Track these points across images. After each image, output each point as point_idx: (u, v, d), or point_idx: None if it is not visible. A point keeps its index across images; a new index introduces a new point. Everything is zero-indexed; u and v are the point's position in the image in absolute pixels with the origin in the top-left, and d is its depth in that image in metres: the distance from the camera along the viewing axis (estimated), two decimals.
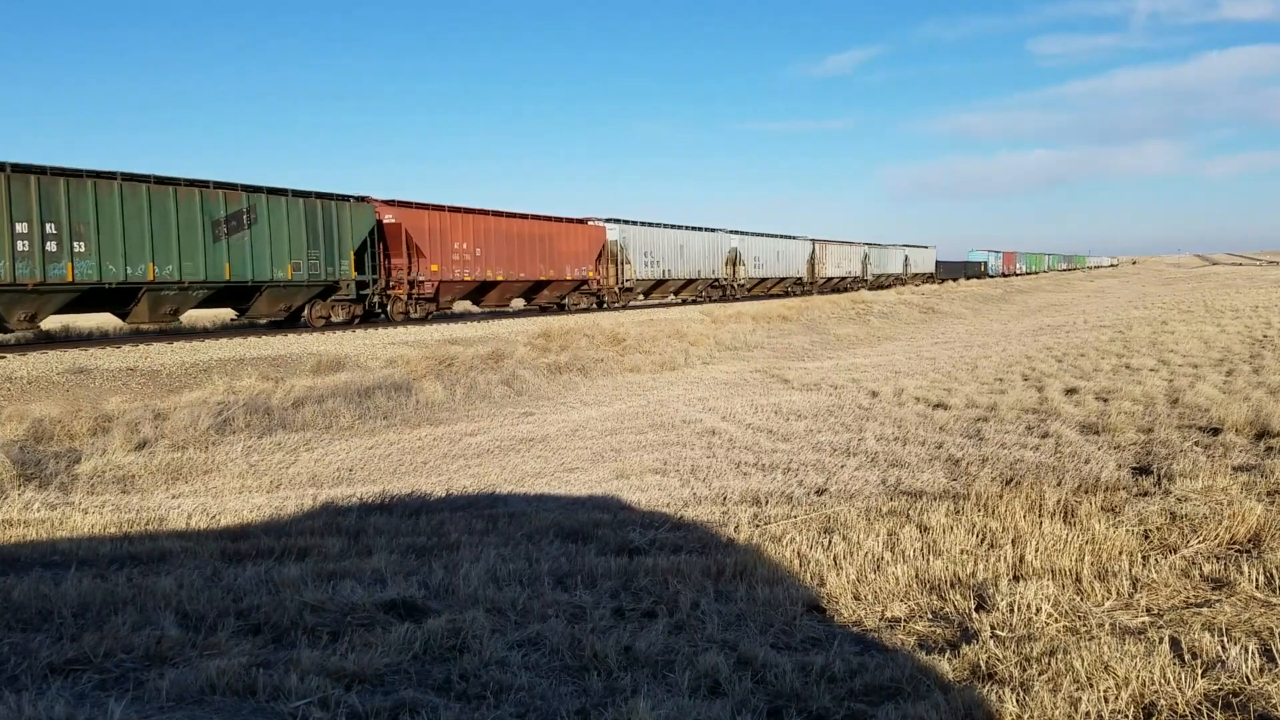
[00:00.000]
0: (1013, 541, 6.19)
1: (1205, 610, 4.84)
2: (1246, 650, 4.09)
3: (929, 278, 77.39)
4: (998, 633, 4.66)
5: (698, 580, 5.62)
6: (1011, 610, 4.92)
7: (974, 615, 4.96)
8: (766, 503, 8.73)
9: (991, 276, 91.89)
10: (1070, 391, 15.22)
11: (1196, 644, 4.27)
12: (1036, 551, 5.90)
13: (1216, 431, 10.98)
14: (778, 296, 49.30)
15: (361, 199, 25.84)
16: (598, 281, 36.63)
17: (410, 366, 19.03)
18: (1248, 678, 3.89)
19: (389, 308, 26.88)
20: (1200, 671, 3.97)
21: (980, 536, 6.45)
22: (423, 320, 27.32)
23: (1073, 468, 9.46)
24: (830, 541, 6.48)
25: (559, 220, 34.46)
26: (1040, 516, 6.77)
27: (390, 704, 3.84)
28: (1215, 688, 3.85)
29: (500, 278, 30.66)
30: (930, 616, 5.06)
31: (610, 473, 11.31)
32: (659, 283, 41.05)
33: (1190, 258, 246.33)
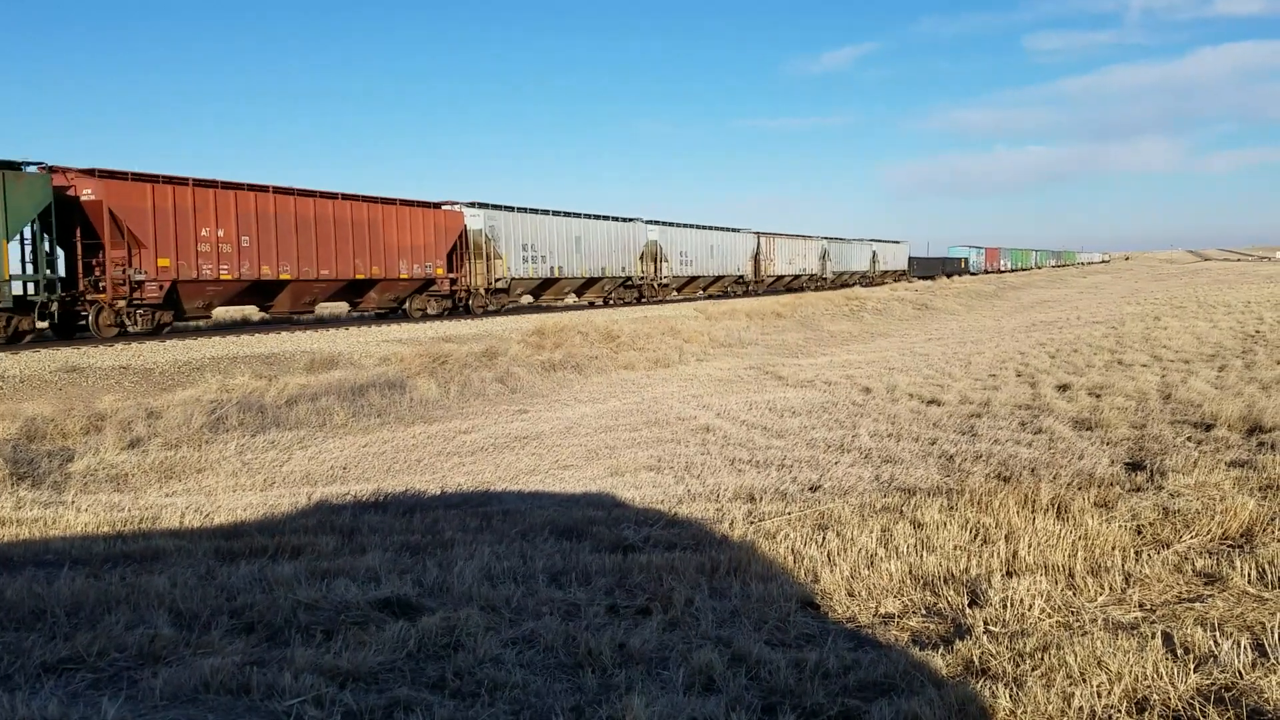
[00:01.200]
0: (1006, 537, 6.20)
1: (1198, 605, 4.85)
2: (1239, 645, 4.10)
3: (901, 275, 71.10)
4: (991, 628, 4.67)
5: (692, 577, 5.63)
6: (1005, 606, 4.93)
7: (967, 611, 4.97)
8: (761, 499, 8.74)
9: (973, 274, 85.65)
10: (1063, 387, 15.26)
11: (1189, 639, 4.29)
12: (1030, 547, 5.92)
13: (1209, 427, 11.02)
14: (716, 297, 44.63)
15: (51, 168, 19.32)
16: (451, 281, 29.24)
17: (404, 364, 19.02)
18: (1240, 672, 3.90)
19: (93, 318, 19.84)
20: (1193, 666, 3.98)
21: (974, 532, 6.46)
22: (152, 334, 20.63)
23: (1066, 463, 9.48)
24: (824, 538, 6.49)
25: (389, 202, 26.76)
26: (1033, 512, 6.78)
27: (384, 702, 3.84)
28: (1208, 682, 3.86)
29: (288, 276, 23.14)
30: (924, 612, 5.08)
31: (605, 470, 11.32)
32: (547, 282, 33.86)
33: (1183, 253, 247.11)
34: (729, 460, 11.23)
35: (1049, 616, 4.79)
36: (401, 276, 27.13)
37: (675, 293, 43.69)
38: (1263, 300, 38.03)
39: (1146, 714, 3.68)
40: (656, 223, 40.49)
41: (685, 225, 43.01)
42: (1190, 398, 13.13)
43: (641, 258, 39.42)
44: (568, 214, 34.71)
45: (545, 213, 33.47)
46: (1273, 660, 4.00)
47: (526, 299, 35.05)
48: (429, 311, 29.02)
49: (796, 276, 54.48)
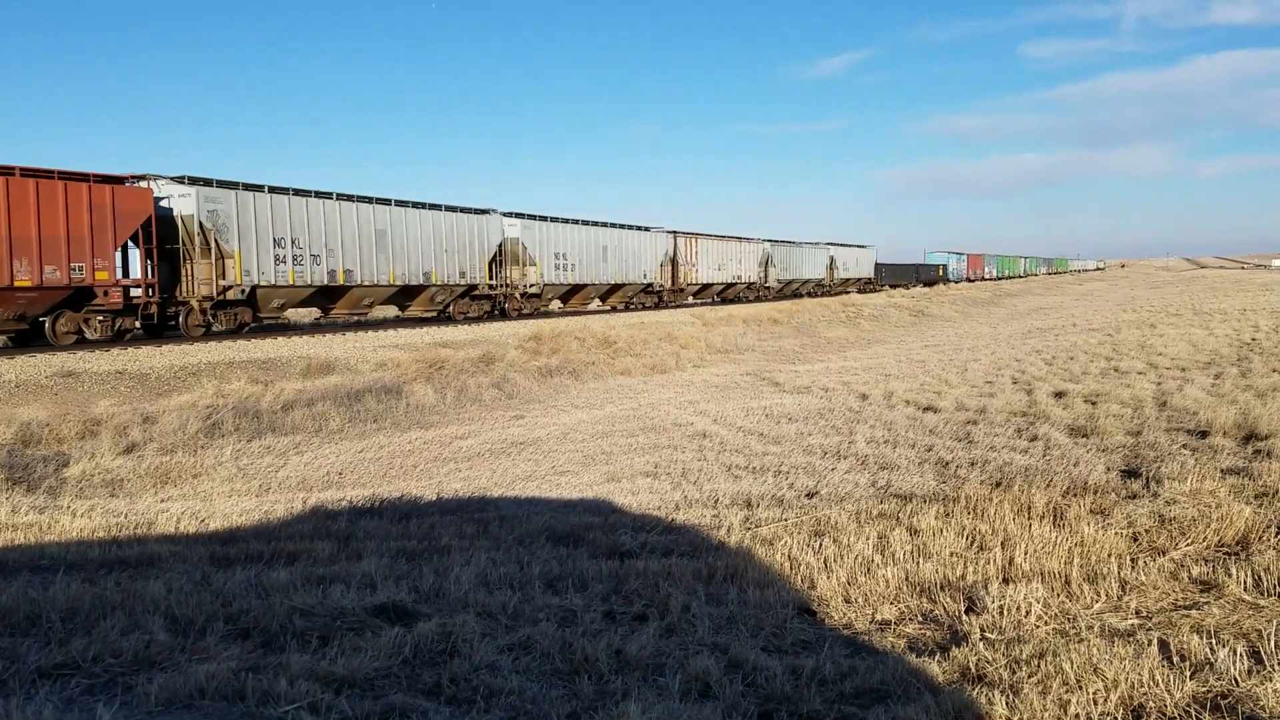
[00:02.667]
0: (1002, 544, 6.21)
1: (1194, 612, 4.86)
2: (1235, 652, 4.11)
3: (866, 284, 64.05)
4: (987, 635, 4.68)
5: (689, 583, 5.62)
6: (1001, 612, 4.94)
7: (964, 618, 4.97)
8: (757, 506, 8.74)
9: (953, 282, 78.49)
10: (1059, 394, 15.28)
11: (1185, 646, 4.29)
12: (1026, 554, 5.92)
13: (1204, 434, 11.03)
14: (618, 311, 37.24)
15: None
16: (132, 290, 20.67)
17: (400, 369, 19.00)
18: (1236, 680, 3.91)
19: None
20: (1189, 673, 3.99)
21: (970, 539, 6.47)
22: None
23: (1062, 470, 9.48)
24: (821, 544, 6.49)
25: None
26: (1029, 519, 6.79)
27: (380, 708, 3.83)
28: (1204, 690, 3.86)
29: None
30: (920, 619, 5.08)
31: (601, 476, 11.31)
32: (328, 290, 24.98)
33: (1178, 261, 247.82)
34: (726, 466, 11.23)
35: (1045, 623, 4.80)
36: (18, 284, 18.02)
37: (559, 303, 35.82)
38: (1258, 308, 38.12)
39: None
40: (520, 215, 32.27)
41: (564, 220, 34.50)
42: (1186, 405, 13.15)
43: (495, 260, 31.06)
44: (362, 199, 25.91)
45: (322, 195, 24.55)
46: (1269, 668, 4.00)
47: (299, 314, 26.32)
48: (88, 336, 20.16)
49: (730, 285, 46.89)
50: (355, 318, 27.97)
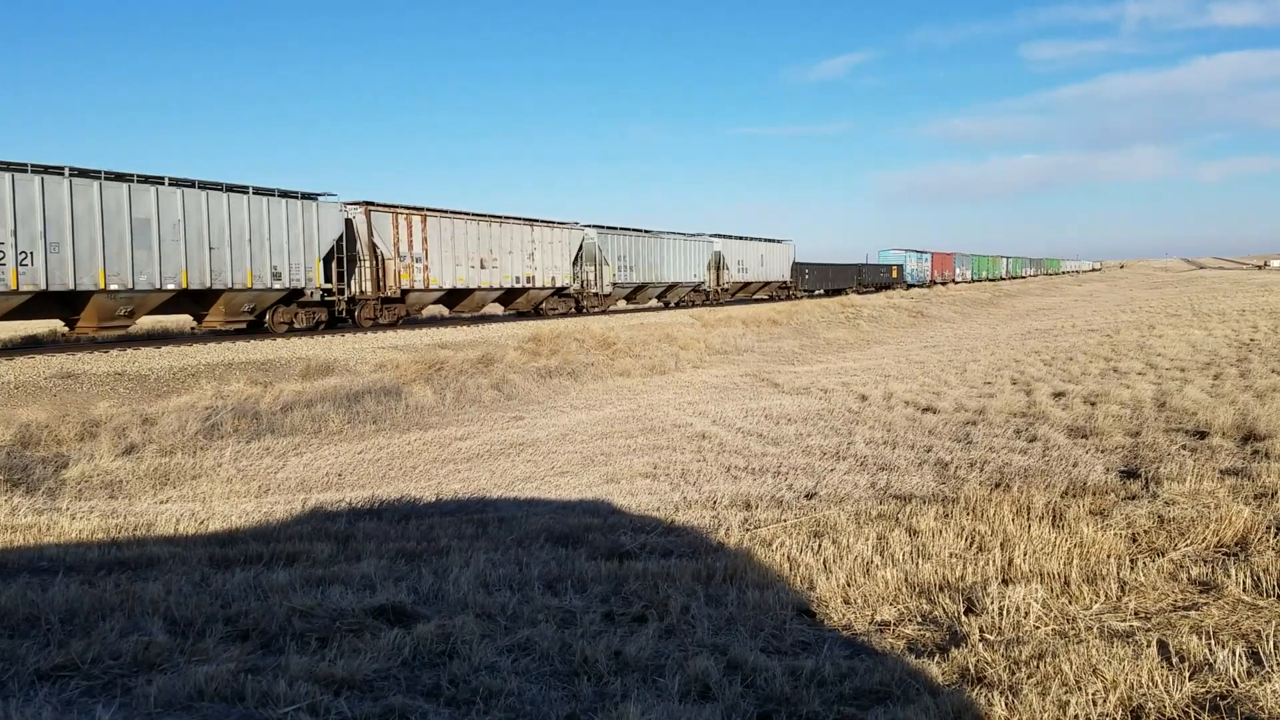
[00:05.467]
0: (1001, 545, 6.21)
1: (1193, 613, 4.86)
2: (1234, 653, 4.11)
3: (782, 288, 50.39)
4: (987, 636, 4.68)
5: (688, 584, 5.63)
6: (1000, 613, 4.93)
7: (963, 618, 4.97)
8: (756, 507, 8.74)
9: (913, 286, 65.45)
10: (1058, 395, 15.29)
11: (1184, 647, 4.29)
12: (1025, 555, 5.92)
13: (1203, 435, 11.04)
14: (231, 337, 21.90)
15: None
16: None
17: (399, 371, 18.99)
18: (1235, 680, 3.91)
19: None
20: (1188, 674, 3.99)
21: (969, 540, 6.47)
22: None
23: (1061, 471, 9.49)
24: (820, 545, 6.50)
25: None
26: (1029, 520, 6.79)
27: (379, 710, 3.83)
28: (1203, 690, 3.86)
29: None
30: (919, 620, 5.08)
31: (600, 477, 11.31)
32: None
33: (1178, 262, 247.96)
34: (725, 467, 11.23)
35: (1044, 624, 4.80)
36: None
37: (49, 322, 20.75)
38: (1257, 308, 38.15)
39: None
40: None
41: (127, 176, 18.92)
42: (1185, 406, 13.16)
43: None
44: None
45: None
46: (1267, 669, 4.01)
47: None
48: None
49: (517, 290, 31.30)
50: None
